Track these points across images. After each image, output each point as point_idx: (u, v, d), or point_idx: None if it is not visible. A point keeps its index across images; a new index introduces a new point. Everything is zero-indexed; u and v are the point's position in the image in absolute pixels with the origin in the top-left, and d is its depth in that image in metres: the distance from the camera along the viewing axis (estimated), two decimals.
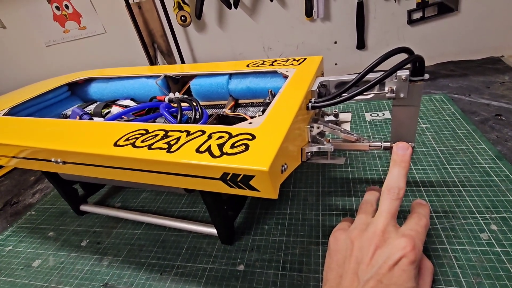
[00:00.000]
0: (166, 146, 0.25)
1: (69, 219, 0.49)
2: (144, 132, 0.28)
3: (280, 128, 0.24)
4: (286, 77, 0.38)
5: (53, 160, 0.32)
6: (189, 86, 0.46)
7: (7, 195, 0.61)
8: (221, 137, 0.24)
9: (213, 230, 0.38)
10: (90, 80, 0.54)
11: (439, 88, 0.63)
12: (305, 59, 0.42)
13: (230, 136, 0.24)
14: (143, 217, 0.43)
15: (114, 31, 0.94)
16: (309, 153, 0.29)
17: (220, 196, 0.34)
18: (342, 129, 0.32)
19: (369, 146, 0.30)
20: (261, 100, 0.42)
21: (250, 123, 0.26)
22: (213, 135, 0.25)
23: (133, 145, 0.26)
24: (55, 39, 0.98)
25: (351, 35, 0.79)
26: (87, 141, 0.30)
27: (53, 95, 0.51)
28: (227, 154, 0.22)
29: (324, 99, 0.30)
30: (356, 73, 0.29)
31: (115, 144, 0.26)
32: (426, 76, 0.29)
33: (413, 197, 0.38)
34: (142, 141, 0.26)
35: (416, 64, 0.29)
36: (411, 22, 0.73)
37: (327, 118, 0.35)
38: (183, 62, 0.91)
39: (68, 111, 0.50)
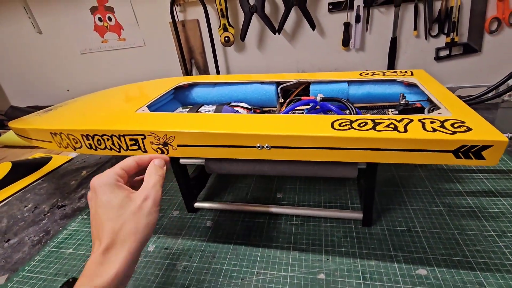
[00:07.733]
0: (391, 128, 0.28)
1: None
2: (348, 121, 0.30)
3: (475, 116, 0.29)
4: (407, 84, 0.43)
5: (258, 145, 0.32)
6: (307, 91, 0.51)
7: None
8: (433, 122, 0.28)
9: (359, 215, 0.40)
10: (192, 85, 0.58)
11: None
12: (412, 71, 0.47)
13: (441, 121, 0.28)
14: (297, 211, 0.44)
15: (153, 44, 0.97)
16: None
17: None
18: None
19: None
20: (380, 104, 0.47)
21: (439, 113, 0.30)
22: (423, 120, 0.29)
23: (352, 127, 0.29)
24: (92, 48, 1.00)
25: (382, 66, 0.86)
26: (298, 127, 0.31)
27: (165, 97, 0.53)
28: (458, 132, 0.26)
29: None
30: None
31: (332, 127, 0.29)
32: None
33: None
34: (358, 125, 0.29)
35: None
36: (438, 58, 0.81)
37: None
38: None
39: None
